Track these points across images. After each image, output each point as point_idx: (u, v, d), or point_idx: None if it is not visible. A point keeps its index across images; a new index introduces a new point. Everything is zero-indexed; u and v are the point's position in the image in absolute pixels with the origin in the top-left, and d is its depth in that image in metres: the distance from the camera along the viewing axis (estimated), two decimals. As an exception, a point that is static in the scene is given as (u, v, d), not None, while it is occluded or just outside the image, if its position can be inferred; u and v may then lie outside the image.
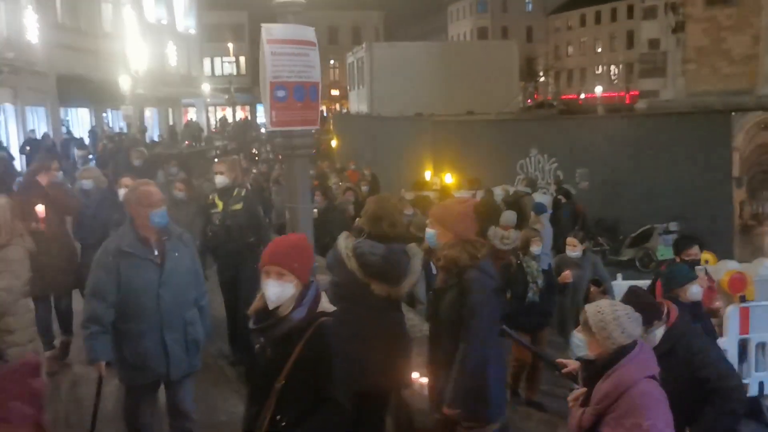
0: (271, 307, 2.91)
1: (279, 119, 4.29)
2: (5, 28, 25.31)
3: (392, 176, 20.16)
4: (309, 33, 4.49)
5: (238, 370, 5.90)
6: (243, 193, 6.01)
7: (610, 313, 2.99)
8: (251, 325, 3.03)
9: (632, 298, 3.72)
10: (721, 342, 6.64)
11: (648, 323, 3.60)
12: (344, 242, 3.99)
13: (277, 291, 2.88)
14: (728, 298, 6.69)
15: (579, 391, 3.25)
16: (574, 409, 3.21)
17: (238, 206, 5.87)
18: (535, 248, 6.82)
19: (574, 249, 7.64)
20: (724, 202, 14.24)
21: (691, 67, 20.76)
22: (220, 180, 5.99)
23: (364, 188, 14.48)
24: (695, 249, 5.91)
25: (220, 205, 5.94)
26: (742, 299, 6.64)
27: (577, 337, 3.12)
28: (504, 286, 6.21)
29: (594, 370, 3.07)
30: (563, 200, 13.94)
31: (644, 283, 8.51)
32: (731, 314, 6.61)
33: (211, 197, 6.11)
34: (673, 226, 14.65)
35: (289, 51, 4.32)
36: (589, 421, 3.05)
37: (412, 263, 3.98)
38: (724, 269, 6.96)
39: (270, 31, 4.30)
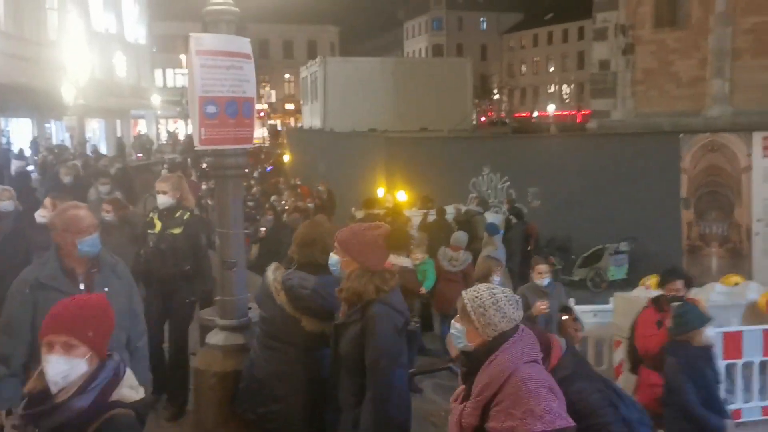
0: (54, 389, 2.24)
1: (209, 137, 3.94)
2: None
3: (346, 193, 19.83)
4: (244, 44, 4.16)
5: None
6: (186, 216, 5.46)
7: (489, 298, 2.72)
8: (20, 409, 2.31)
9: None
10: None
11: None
12: (273, 274, 3.63)
13: (62, 369, 2.23)
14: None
15: (459, 388, 2.92)
16: (454, 407, 2.88)
17: (178, 230, 5.34)
18: (496, 278, 6.43)
19: (543, 276, 7.01)
20: (672, 222, 14.32)
21: (640, 88, 21.06)
22: (163, 200, 5.45)
23: (310, 205, 14.13)
24: (678, 284, 5.52)
25: (157, 225, 5.39)
26: None
27: (456, 327, 2.80)
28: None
29: (474, 361, 2.76)
30: (514, 220, 13.83)
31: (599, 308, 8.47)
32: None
33: (150, 216, 5.56)
34: (623, 246, 14.67)
35: (222, 63, 3.98)
36: (471, 417, 2.73)
37: None
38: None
39: (200, 41, 3.96)
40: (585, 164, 16.05)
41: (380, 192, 19.28)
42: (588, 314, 7.80)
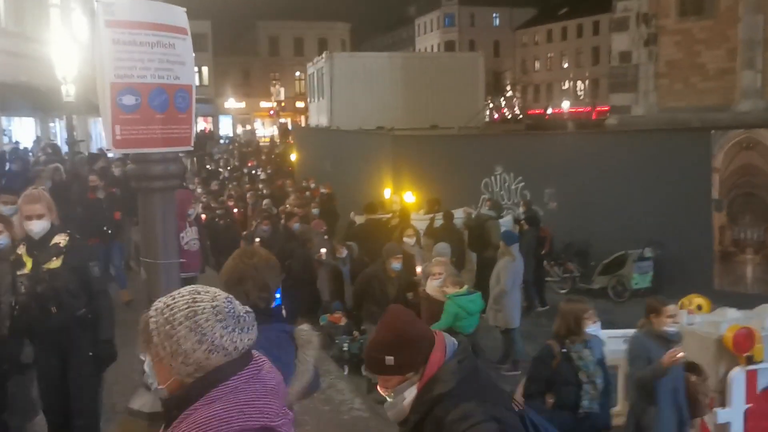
0: None
1: (125, 137, 2.95)
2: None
3: (353, 194, 18.86)
4: (177, 15, 3.16)
5: None
6: (64, 243, 4.13)
7: (184, 308, 1.69)
8: None
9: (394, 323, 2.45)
10: (725, 413, 5.44)
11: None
12: None
13: None
14: (731, 358, 5.50)
15: None
16: None
17: (56, 263, 4.05)
18: (591, 326, 4.85)
19: (671, 322, 5.03)
20: (702, 226, 13.16)
21: (663, 81, 19.84)
22: (37, 227, 4.09)
23: (314, 210, 13.13)
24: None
25: (28, 263, 4.09)
26: (749, 360, 5.45)
27: (147, 362, 1.77)
28: (542, 388, 4.71)
29: (168, 414, 1.74)
30: (526, 226, 12.78)
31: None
32: (736, 379, 5.41)
33: (15, 253, 4.21)
34: (648, 252, 13.53)
35: (144, 39, 2.98)
36: None
37: (302, 357, 2.66)
38: (724, 322, 5.74)
39: (110, 8, 2.94)
40: (605, 163, 14.92)
41: (387, 193, 18.31)
42: (617, 340, 6.64)
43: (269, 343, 2.53)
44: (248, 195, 16.68)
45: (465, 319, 6.79)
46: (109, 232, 9.91)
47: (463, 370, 2.36)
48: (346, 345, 8.68)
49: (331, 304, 9.88)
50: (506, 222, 12.56)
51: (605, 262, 13.89)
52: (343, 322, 9.32)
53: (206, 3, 63.86)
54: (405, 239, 10.20)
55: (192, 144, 3.27)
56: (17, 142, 26.95)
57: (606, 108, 58.95)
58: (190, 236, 7.63)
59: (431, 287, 6.94)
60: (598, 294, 13.65)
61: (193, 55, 3.20)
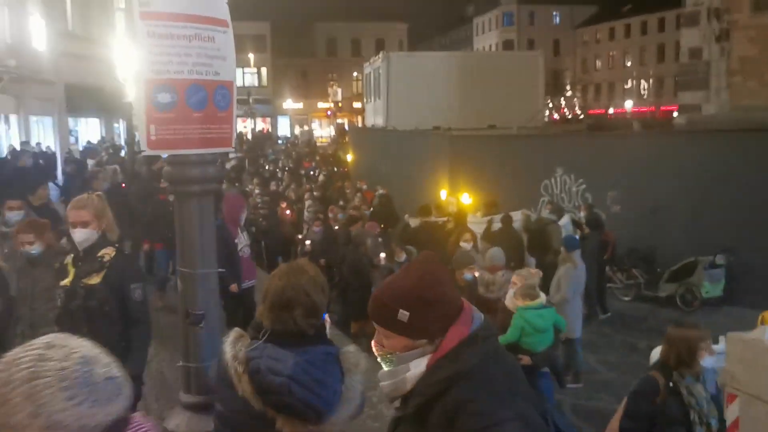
0: None
1: (162, 137, 2.74)
2: (8, 35, 24.60)
3: (409, 196, 18.58)
4: (218, 5, 2.92)
5: None
6: (108, 258, 3.72)
7: (25, 368, 1.34)
8: None
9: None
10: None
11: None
12: (232, 349, 2.38)
13: None
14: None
15: None
16: None
17: (95, 279, 3.66)
18: (708, 360, 4.01)
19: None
20: (780, 232, 12.40)
21: (736, 79, 18.86)
22: (79, 235, 3.70)
23: (367, 212, 12.86)
24: None
25: (70, 273, 3.72)
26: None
27: None
28: (644, 427, 3.96)
29: None
30: (587, 230, 12.23)
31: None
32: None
33: (65, 259, 3.86)
34: (720, 259, 12.80)
35: (181, 32, 2.76)
36: None
37: (348, 382, 2.39)
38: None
39: (146, -1, 2.74)
40: (674, 165, 14.22)
41: (443, 195, 17.96)
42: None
43: (313, 367, 2.28)
44: (305, 196, 16.60)
45: (532, 335, 6.10)
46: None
47: (487, 351, 1.89)
48: None
49: None
50: (564, 224, 12.05)
51: (673, 268, 13.23)
52: None
53: (265, 5, 64.87)
54: (462, 244, 9.84)
55: (233, 145, 3.05)
56: (89, 143, 27.76)
57: (671, 107, 57.27)
58: (242, 242, 7.28)
59: (509, 298, 6.39)
60: (664, 302, 13.04)
61: (234, 48, 2.96)
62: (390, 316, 1.89)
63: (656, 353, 4.84)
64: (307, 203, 13.69)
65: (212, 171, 2.95)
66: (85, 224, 3.70)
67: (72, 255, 3.83)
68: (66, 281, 3.74)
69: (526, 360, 5.89)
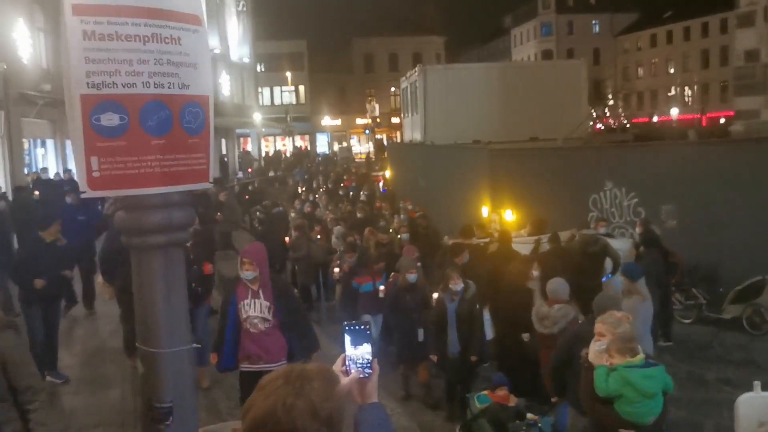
0: None
1: (108, 173, 2.03)
2: (44, 60, 24.76)
3: (448, 213, 17.77)
4: (186, -2, 2.22)
5: None
6: None
7: None
8: None
9: None
10: None
11: None
12: None
13: None
14: None
15: None
16: None
17: None
18: None
19: None
20: None
21: (798, 81, 17.72)
22: None
23: (404, 236, 12.05)
24: None
25: None
26: None
27: None
28: None
29: None
30: (642, 249, 11.24)
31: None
32: None
33: None
34: (790, 277, 11.71)
35: (132, 30, 2.06)
36: None
37: None
38: None
39: (79, -14, 2.03)
40: (734, 175, 13.13)
41: (485, 212, 17.10)
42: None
43: None
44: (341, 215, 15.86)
45: (638, 403, 4.82)
46: (199, 290, 7.76)
47: None
48: None
49: (428, 349, 8.40)
50: (622, 245, 11.11)
51: (738, 288, 12.12)
52: (513, 401, 6.89)
53: (302, 23, 64.96)
54: (530, 284, 8.79)
55: (210, 179, 2.33)
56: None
57: (718, 114, 55.32)
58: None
59: (593, 352, 5.22)
60: (730, 325, 11.96)
61: (209, 53, 2.26)
62: None
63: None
64: (336, 228, 12.83)
65: (180, 215, 2.23)
66: None
67: None
68: None
69: None
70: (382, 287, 9.73)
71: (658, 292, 10.31)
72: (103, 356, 9.62)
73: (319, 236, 13.47)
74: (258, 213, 18.17)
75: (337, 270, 10.05)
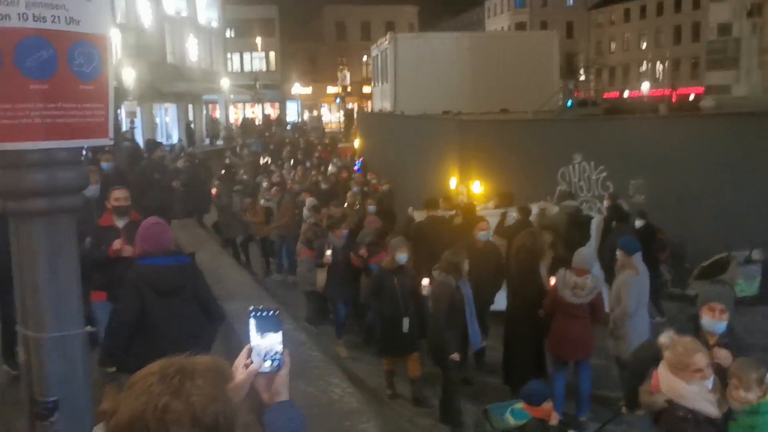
0: None
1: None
2: None
3: (416, 184, 17.49)
4: None
5: None
6: None
7: None
8: None
9: None
10: None
11: None
12: None
13: None
14: None
15: None
16: None
17: None
18: None
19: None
20: (822, 225, 11.29)
21: (770, 57, 17.68)
22: None
23: (371, 208, 11.68)
24: None
25: None
26: None
27: None
28: None
29: None
30: (614, 224, 11.13)
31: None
32: None
33: None
34: (756, 254, 11.68)
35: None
36: None
37: None
38: None
39: None
40: (703, 151, 13.07)
41: (453, 183, 16.86)
42: None
43: None
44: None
45: None
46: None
47: None
48: None
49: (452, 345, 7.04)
50: (596, 221, 11.02)
51: (704, 264, 12.11)
52: (555, 419, 5.22)
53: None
54: (480, 233, 8.64)
55: (110, 135, 1.97)
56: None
57: (688, 90, 55.71)
58: None
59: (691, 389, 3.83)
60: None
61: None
62: None
63: None
64: (309, 200, 12.16)
65: (68, 176, 1.87)
66: None
67: None
68: None
69: None
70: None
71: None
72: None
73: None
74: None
75: (329, 252, 9.06)
